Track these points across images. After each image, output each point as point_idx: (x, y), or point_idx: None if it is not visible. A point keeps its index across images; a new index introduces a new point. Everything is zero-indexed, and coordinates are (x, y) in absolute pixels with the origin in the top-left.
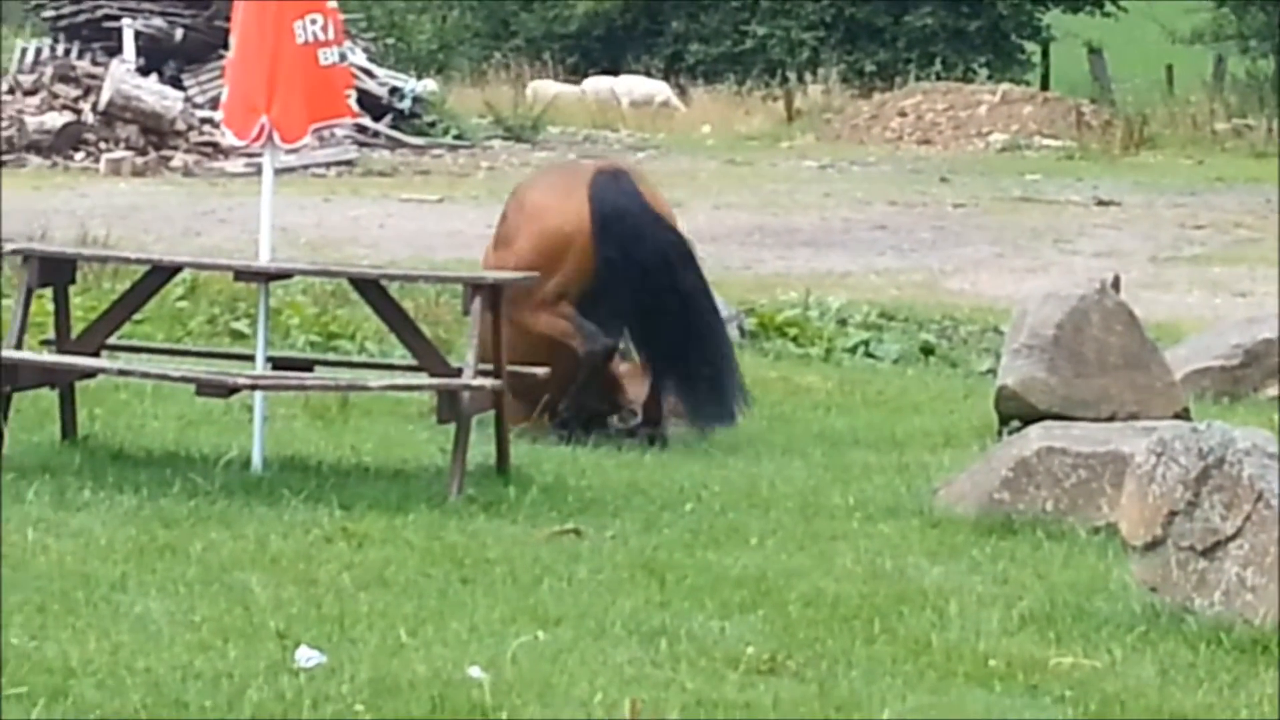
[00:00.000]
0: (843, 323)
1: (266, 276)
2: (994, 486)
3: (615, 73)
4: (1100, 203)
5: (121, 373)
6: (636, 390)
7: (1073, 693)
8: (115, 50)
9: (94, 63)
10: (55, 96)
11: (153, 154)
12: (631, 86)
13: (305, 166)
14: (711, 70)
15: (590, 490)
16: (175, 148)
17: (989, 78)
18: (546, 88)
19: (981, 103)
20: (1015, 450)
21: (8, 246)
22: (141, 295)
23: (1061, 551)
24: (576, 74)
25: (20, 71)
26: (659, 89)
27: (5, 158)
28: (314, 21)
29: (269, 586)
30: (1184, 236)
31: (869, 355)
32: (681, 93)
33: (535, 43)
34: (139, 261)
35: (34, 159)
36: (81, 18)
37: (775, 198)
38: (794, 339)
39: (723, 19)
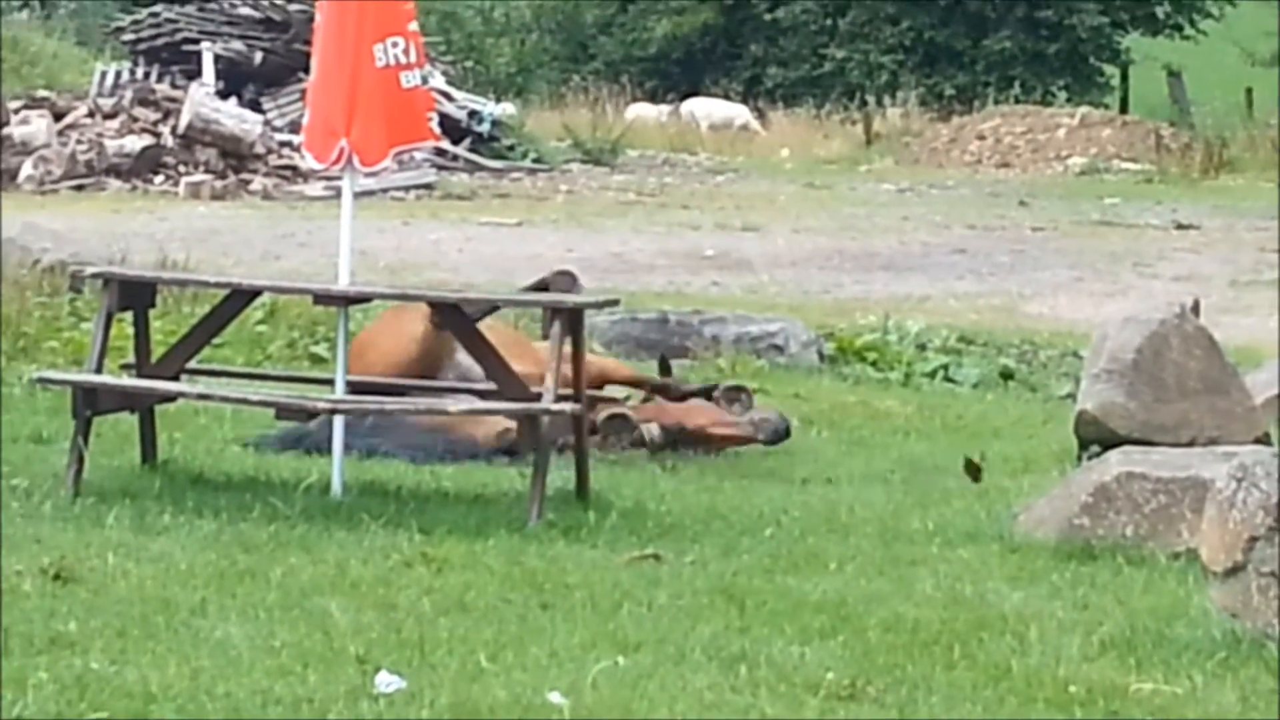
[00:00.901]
0: (922, 347)
1: (346, 300)
2: (1074, 512)
3: (694, 96)
4: (1179, 226)
5: (201, 397)
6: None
7: (1153, 719)
8: (195, 74)
9: (173, 86)
10: (135, 120)
11: (232, 177)
12: (710, 110)
13: (384, 190)
14: (790, 94)
15: (670, 515)
16: (254, 171)
17: (1068, 101)
18: (645, 112)
19: (1060, 126)
20: (1095, 475)
21: (88, 270)
22: (221, 319)
23: (1142, 577)
24: (654, 98)
25: (100, 95)
26: (738, 112)
27: (85, 181)
28: (395, 45)
29: (349, 611)
30: (1264, 260)
31: (948, 380)
32: (760, 116)
33: (614, 66)
34: (218, 285)
35: (113, 182)
36: (161, 41)
37: (854, 221)
38: (873, 363)
39: (801, 42)
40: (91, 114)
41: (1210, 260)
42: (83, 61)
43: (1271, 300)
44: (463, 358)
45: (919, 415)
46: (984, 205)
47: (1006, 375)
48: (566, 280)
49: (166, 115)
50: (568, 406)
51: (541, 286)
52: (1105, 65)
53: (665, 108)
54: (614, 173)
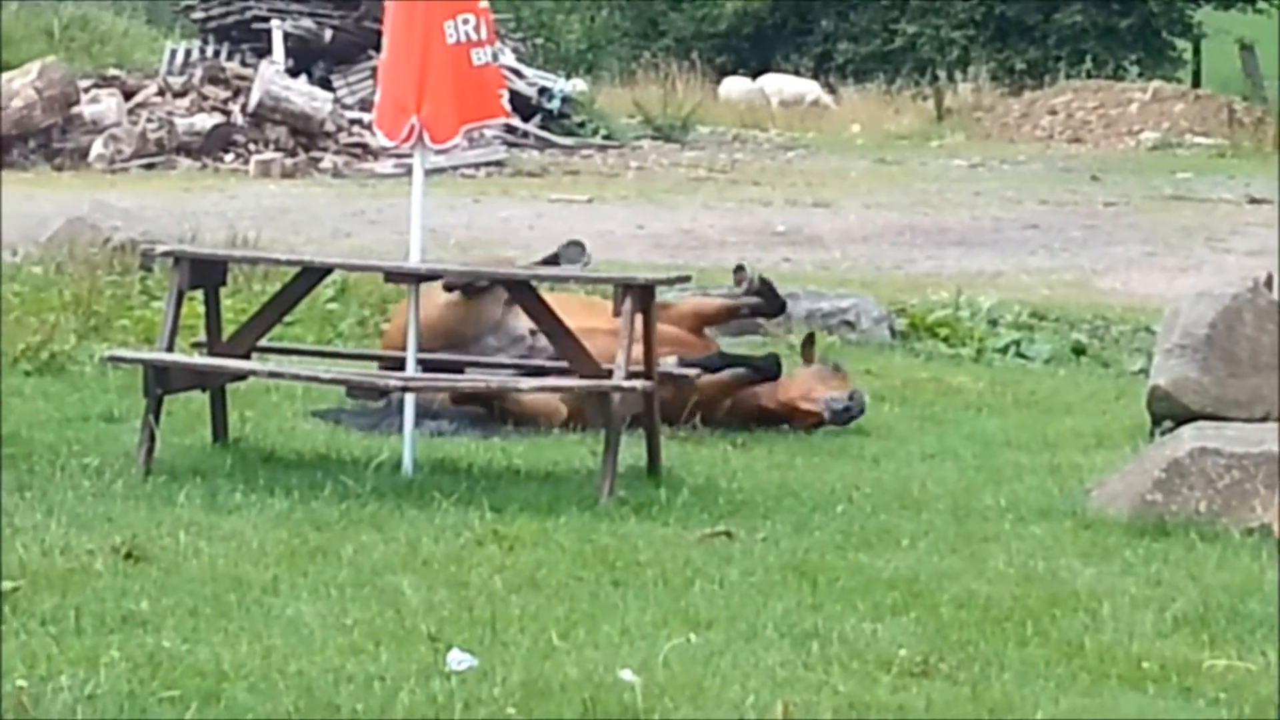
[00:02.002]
0: (994, 323)
1: (417, 278)
2: (1147, 488)
3: (764, 73)
4: (1252, 201)
5: (272, 375)
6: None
7: (1227, 695)
8: (264, 52)
9: (243, 64)
10: (205, 98)
11: (302, 155)
12: (782, 86)
13: (455, 167)
14: (861, 69)
15: (741, 492)
16: (324, 149)
17: (1140, 75)
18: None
19: (1132, 100)
20: (1168, 451)
21: (159, 248)
22: (292, 297)
23: (1215, 553)
24: (724, 74)
25: (170, 73)
26: (810, 88)
27: (155, 160)
28: (465, 21)
29: (420, 589)
30: None
31: (1020, 355)
32: (831, 91)
33: (684, 42)
34: (289, 263)
35: (184, 160)
36: (230, 19)
37: (925, 197)
38: (945, 339)
39: (872, 18)
40: (161, 92)
41: None
42: (153, 40)
43: None
44: (490, 335)
45: (991, 391)
46: (1056, 180)
47: (1079, 351)
48: (575, 250)
49: (236, 93)
50: (639, 383)
51: (553, 260)
52: (1177, 39)
53: (755, 83)
54: (684, 149)
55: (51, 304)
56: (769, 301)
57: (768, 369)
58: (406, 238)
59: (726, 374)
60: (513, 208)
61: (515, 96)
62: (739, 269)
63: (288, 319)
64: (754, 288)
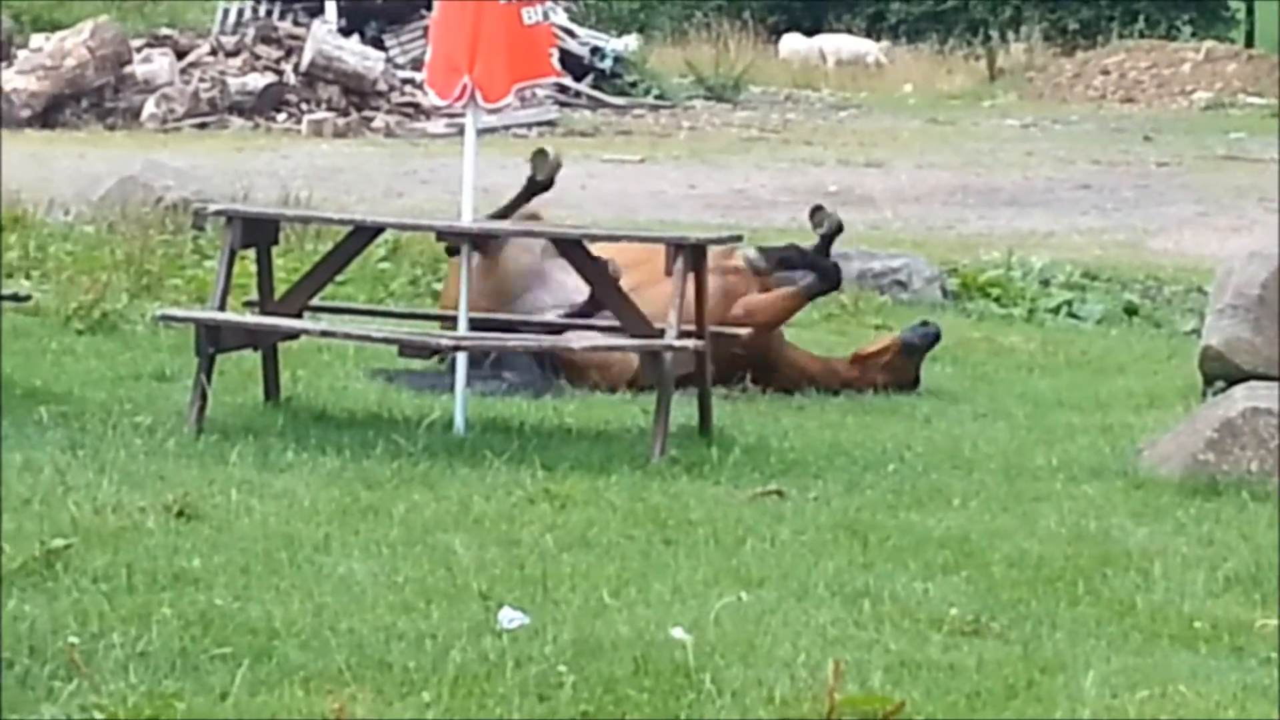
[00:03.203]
0: (1046, 283)
1: (469, 237)
2: (1199, 448)
3: (816, 31)
4: None
5: (324, 334)
6: None
7: (1279, 655)
8: (317, 11)
9: (295, 24)
10: (257, 58)
11: (354, 115)
12: (840, 45)
13: (507, 127)
14: (914, 29)
15: (793, 451)
16: (377, 108)
17: (1192, 35)
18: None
19: (1185, 60)
20: (1220, 411)
21: (211, 208)
22: (344, 256)
23: (1266, 513)
24: (777, 33)
25: (222, 33)
26: (868, 47)
27: (208, 119)
28: None
29: (472, 548)
30: None
31: (1072, 315)
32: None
33: (737, 1)
34: (341, 222)
35: (236, 120)
36: None
37: (977, 157)
38: (997, 299)
39: None
40: (214, 52)
41: None
42: (205, 0)
43: None
44: (532, 296)
45: (1043, 351)
46: (1108, 140)
47: (1131, 311)
48: (541, 159)
49: (289, 53)
50: (691, 343)
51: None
52: None
53: (814, 40)
54: (736, 109)
55: (104, 263)
56: (825, 278)
57: (830, 274)
58: (458, 197)
59: (796, 289)
60: (565, 167)
61: (567, 56)
62: (817, 209)
63: (339, 278)
64: (833, 229)
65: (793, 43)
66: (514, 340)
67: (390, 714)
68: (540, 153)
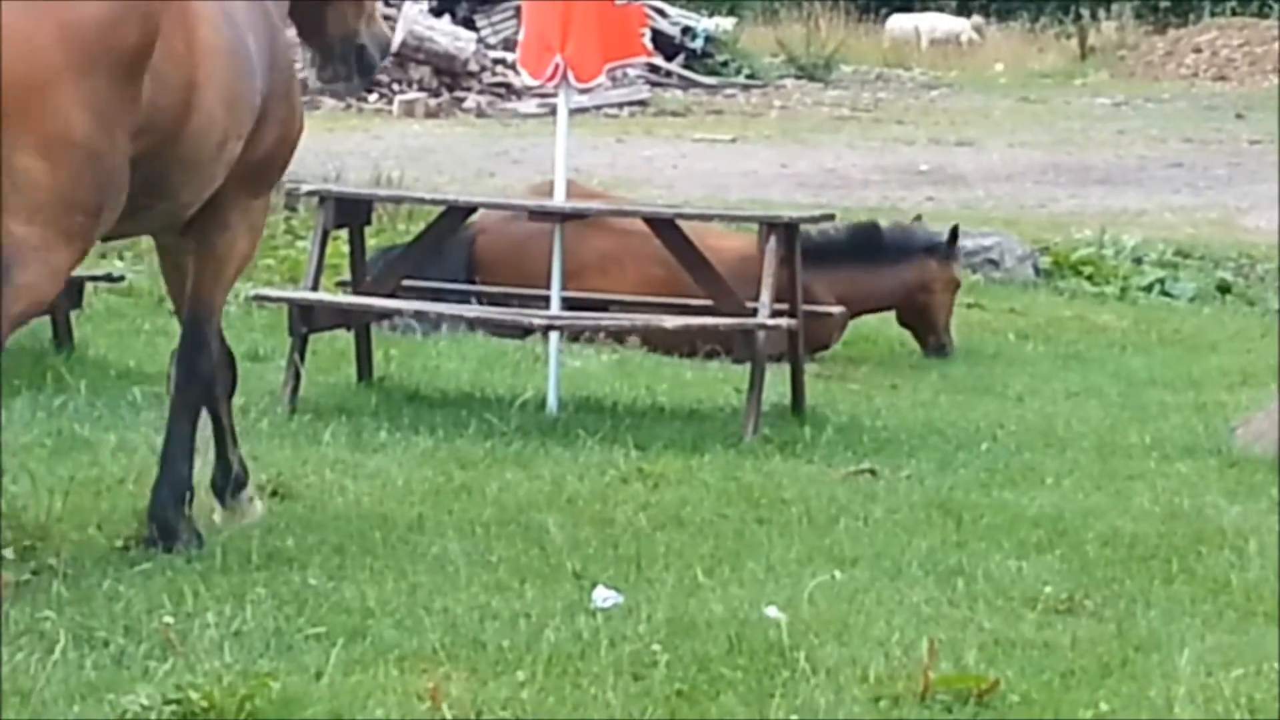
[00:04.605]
0: (1138, 261)
1: (561, 216)
2: None
3: (906, 10)
4: None
5: (417, 314)
6: None
7: None
8: None
9: (387, 4)
10: None
11: (446, 95)
12: (935, 24)
13: (598, 107)
14: (1004, 7)
15: (885, 430)
16: (468, 89)
17: None
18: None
19: (1277, 38)
20: None
21: (304, 188)
22: (436, 236)
23: None
24: (868, 12)
25: None
26: (962, 26)
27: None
28: None
29: (565, 527)
30: None
31: (1164, 294)
32: (978, 31)
33: None
34: (434, 202)
35: (328, 101)
36: None
37: (1069, 135)
38: (1089, 277)
39: None
40: None
41: None
42: None
43: None
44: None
45: (1135, 329)
46: (1200, 118)
47: (1223, 289)
48: None
49: None
50: (783, 321)
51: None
52: None
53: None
54: (828, 88)
55: None
56: None
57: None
58: (550, 177)
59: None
60: (656, 147)
61: (659, 36)
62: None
63: None
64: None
65: (898, 21)
66: (607, 319)
67: (485, 693)
68: None
